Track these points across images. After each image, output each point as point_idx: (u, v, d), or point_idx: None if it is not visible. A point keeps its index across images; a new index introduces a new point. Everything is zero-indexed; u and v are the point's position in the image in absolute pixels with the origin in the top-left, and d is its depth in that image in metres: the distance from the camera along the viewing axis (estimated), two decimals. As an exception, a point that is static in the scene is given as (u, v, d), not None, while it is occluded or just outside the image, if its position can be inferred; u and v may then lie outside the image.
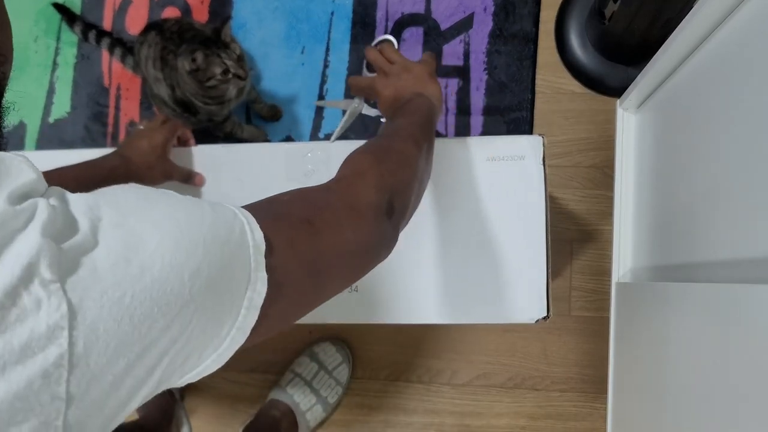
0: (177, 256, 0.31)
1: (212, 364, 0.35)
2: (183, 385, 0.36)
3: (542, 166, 0.75)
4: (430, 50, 1.15)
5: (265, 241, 0.37)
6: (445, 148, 0.76)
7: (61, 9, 1.22)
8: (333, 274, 0.45)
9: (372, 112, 0.82)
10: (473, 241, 0.75)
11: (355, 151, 0.55)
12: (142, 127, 0.82)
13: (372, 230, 0.48)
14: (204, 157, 0.84)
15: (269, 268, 0.36)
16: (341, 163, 0.54)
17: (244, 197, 0.44)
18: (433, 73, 0.74)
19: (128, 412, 0.31)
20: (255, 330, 0.36)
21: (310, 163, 0.80)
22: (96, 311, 0.27)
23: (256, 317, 0.36)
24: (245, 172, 0.81)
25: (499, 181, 0.75)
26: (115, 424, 0.30)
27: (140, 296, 0.29)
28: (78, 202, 0.31)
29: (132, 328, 0.28)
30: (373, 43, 0.78)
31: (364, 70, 0.85)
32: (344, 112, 0.82)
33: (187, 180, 0.82)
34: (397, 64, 0.73)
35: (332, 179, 0.51)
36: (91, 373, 0.27)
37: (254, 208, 0.39)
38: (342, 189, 0.49)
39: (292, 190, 0.47)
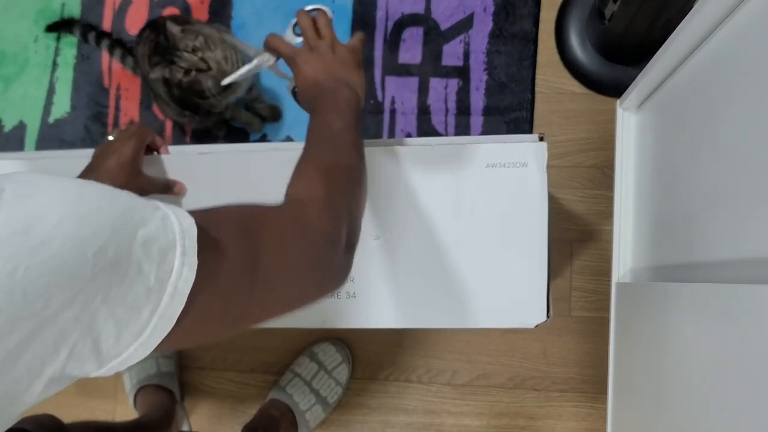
0: (81, 232, 0.29)
1: (136, 352, 0.34)
2: (110, 374, 0.34)
3: (545, 174, 0.73)
4: (429, 46, 1.15)
5: (197, 227, 0.36)
6: (445, 153, 0.75)
7: (58, 26, 1.24)
8: (275, 283, 0.43)
9: (280, 74, 0.77)
10: (473, 247, 0.74)
11: (301, 163, 0.54)
12: (111, 138, 0.75)
13: (321, 254, 0.47)
14: (182, 163, 0.79)
15: (201, 250, 0.35)
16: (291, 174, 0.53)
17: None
18: (360, 62, 0.70)
19: (38, 392, 0.30)
20: (185, 322, 0.35)
21: None
22: None
23: (182, 305, 0.34)
24: (239, 178, 0.78)
25: (500, 188, 0.74)
26: (22, 404, 0.29)
27: (36, 270, 0.27)
28: None
29: (25, 302, 0.27)
30: (308, 8, 0.72)
31: (289, 30, 0.76)
32: (250, 60, 0.74)
33: (166, 190, 0.76)
34: (326, 40, 0.68)
35: (283, 201, 0.50)
36: None
37: (192, 210, 0.38)
38: (292, 211, 0.49)
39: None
